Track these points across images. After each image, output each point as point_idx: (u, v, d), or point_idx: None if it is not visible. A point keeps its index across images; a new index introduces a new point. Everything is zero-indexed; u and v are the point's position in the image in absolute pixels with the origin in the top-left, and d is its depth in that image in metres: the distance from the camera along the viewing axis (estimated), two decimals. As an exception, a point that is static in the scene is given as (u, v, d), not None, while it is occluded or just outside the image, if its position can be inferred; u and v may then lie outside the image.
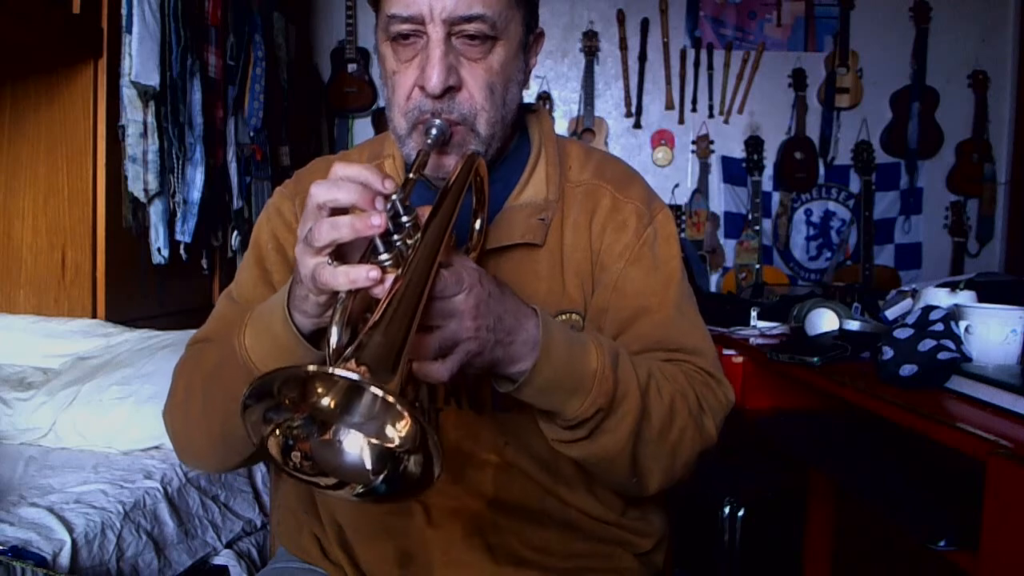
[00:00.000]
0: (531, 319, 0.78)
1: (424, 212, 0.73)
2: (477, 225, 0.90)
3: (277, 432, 0.63)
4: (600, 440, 0.84)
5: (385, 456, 0.64)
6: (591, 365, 0.80)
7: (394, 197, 0.72)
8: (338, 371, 0.57)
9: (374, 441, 0.64)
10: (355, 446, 0.65)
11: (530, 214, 0.96)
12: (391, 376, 0.59)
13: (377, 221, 0.68)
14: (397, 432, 0.63)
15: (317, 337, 0.79)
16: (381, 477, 0.65)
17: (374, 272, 0.67)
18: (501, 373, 0.78)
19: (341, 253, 0.72)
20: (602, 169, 1.02)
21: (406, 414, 0.60)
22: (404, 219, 0.72)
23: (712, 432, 0.91)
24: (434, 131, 0.86)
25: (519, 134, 1.01)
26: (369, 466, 0.65)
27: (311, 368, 0.60)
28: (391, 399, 0.58)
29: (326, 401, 0.63)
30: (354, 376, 0.57)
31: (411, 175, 0.79)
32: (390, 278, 0.67)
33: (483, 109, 0.88)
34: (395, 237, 0.71)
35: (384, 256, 0.70)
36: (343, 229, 0.69)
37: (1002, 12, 3.81)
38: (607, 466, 0.88)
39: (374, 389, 0.58)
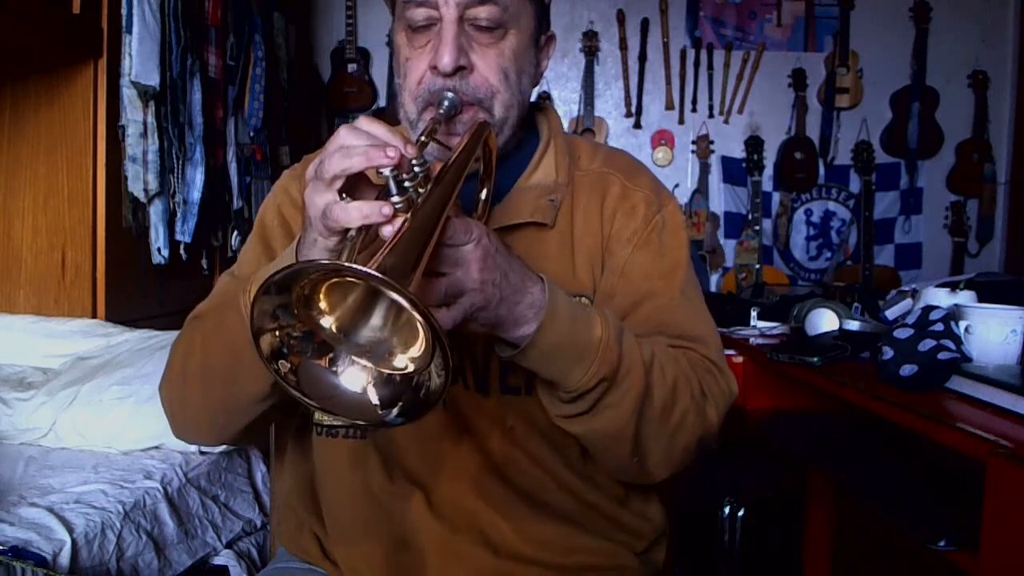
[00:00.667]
0: (537, 284, 0.78)
1: (436, 166, 0.73)
2: (483, 195, 0.90)
3: (276, 333, 0.62)
4: (602, 415, 0.83)
5: (404, 383, 0.63)
6: (596, 334, 0.80)
7: (413, 163, 0.72)
8: (356, 266, 0.56)
9: (385, 371, 0.63)
10: (357, 380, 0.64)
11: (539, 195, 0.96)
12: (407, 284, 0.57)
13: (392, 152, 0.68)
14: (409, 355, 0.62)
15: None
16: (396, 410, 0.63)
17: (387, 208, 0.66)
18: (505, 336, 0.78)
19: (352, 194, 0.72)
20: (611, 159, 1.03)
21: (417, 315, 0.58)
22: (417, 169, 0.72)
23: (714, 419, 0.90)
24: (445, 103, 0.87)
25: (527, 129, 1.02)
26: (376, 401, 0.63)
27: (325, 261, 0.59)
28: (408, 301, 0.56)
29: (328, 321, 0.62)
30: (373, 272, 0.55)
31: (422, 138, 0.79)
32: (400, 219, 0.66)
33: (499, 91, 0.90)
34: (407, 184, 0.70)
35: (396, 199, 0.69)
36: (355, 158, 0.69)
37: (1002, 12, 3.81)
38: (609, 444, 0.87)
39: (392, 293, 0.56)
